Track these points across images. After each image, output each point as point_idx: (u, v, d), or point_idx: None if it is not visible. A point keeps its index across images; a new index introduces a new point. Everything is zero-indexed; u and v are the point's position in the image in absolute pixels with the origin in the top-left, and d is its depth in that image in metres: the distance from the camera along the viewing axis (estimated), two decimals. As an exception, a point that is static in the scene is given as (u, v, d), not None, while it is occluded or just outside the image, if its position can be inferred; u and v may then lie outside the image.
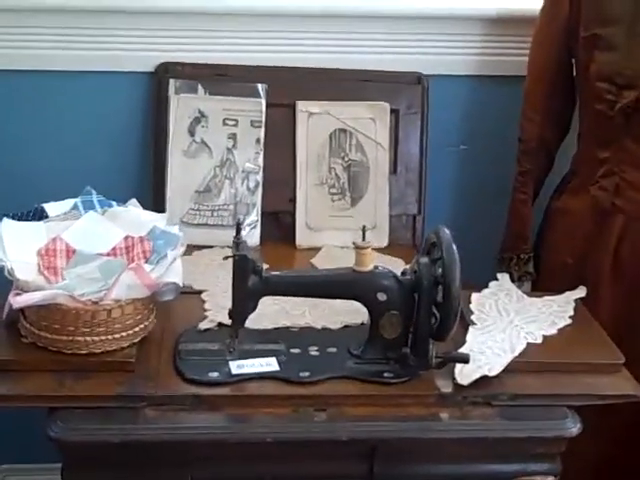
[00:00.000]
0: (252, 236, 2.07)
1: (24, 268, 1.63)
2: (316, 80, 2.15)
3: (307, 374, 1.58)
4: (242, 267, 1.57)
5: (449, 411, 1.55)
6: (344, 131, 2.13)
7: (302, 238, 2.12)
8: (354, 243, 1.61)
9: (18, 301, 1.55)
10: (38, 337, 1.58)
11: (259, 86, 2.10)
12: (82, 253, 1.71)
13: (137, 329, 1.62)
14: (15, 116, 2.13)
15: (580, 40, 1.97)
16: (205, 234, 2.07)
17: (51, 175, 2.13)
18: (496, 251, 2.16)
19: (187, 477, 1.52)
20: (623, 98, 1.90)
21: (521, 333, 1.71)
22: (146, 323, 1.64)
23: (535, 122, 2.08)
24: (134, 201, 1.84)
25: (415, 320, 1.59)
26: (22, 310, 1.60)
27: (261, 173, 2.11)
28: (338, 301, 1.72)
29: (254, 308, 1.60)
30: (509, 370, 1.60)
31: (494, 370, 1.58)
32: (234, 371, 1.57)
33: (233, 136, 2.10)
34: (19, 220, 1.74)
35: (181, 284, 1.66)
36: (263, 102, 2.10)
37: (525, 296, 1.86)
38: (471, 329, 1.71)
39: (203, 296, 1.82)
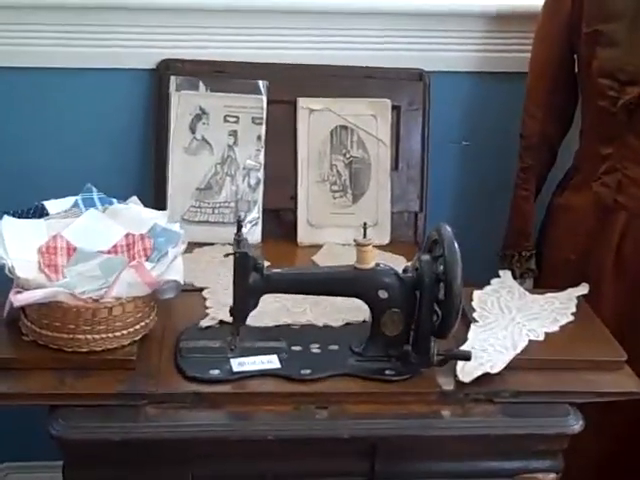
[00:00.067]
0: (253, 233, 2.07)
1: (25, 266, 1.63)
2: (317, 77, 2.14)
3: (308, 371, 1.57)
4: (243, 264, 1.56)
5: (451, 408, 1.55)
6: (345, 128, 2.13)
7: (303, 235, 2.11)
8: (355, 240, 1.61)
9: (19, 299, 1.55)
10: (39, 335, 1.58)
11: (260, 83, 2.10)
12: (83, 251, 1.71)
13: (138, 327, 1.62)
14: (15, 113, 2.13)
15: (582, 36, 1.96)
16: (206, 231, 2.07)
17: (52, 173, 2.13)
18: (498, 248, 2.16)
19: (188, 475, 1.52)
20: (625, 94, 1.89)
21: (523, 330, 1.71)
22: (147, 321, 1.64)
23: (537, 118, 2.08)
24: (135, 198, 1.84)
25: (417, 318, 1.59)
26: (23, 308, 1.60)
27: (262, 170, 2.11)
28: (339, 298, 1.71)
29: (255, 305, 1.60)
30: (511, 367, 1.59)
31: (496, 367, 1.58)
32: (235, 369, 1.57)
33: (234, 133, 2.10)
34: (19, 218, 1.73)
35: (182, 282, 1.66)
36: (264, 99, 2.10)
37: (527, 293, 1.86)
38: (473, 326, 1.71)
39: (204, 294, 1.82)
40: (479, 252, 1.94)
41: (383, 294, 1.59)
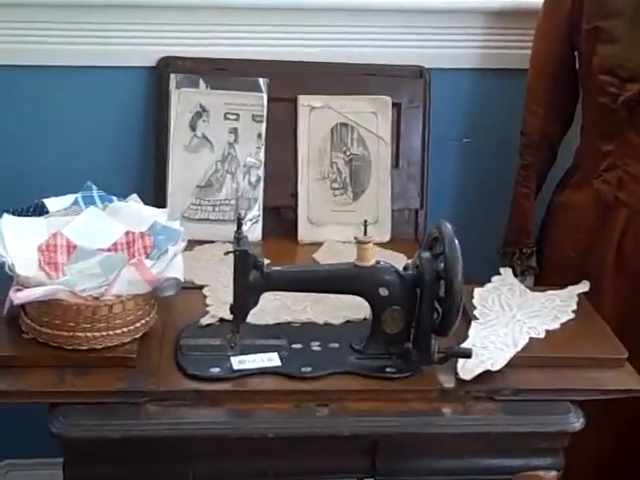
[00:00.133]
0: (254, 231, 2.07)
1: (25, 264, 1.63)
2: (318, 74, 2.14)
3: (309, 369, 1.57)
4: (243, 262, 1.56)
5: (451, 406, 1.55)
6: (346, 125, 2.13)
7: (304, 233, 2.11)
8: (356, 238, 1.61)
9: (19, 297, 1.55)
10: (39, 333, 1.58)
11: (260, 80, 2.10)
12: (83, 248, 1.71)
13: (138, 325, 1.61)
14: (15, 111, 2.13)
15: (582, 33, 1.96)
16: (206, 229, 2.06)
17: (52, 170, 2.12)
18: (499, 245, 2.15)
19: (188, 472, 1.52)
20: (626, 91, 1.89)
21: (524, 328, 1.70)
22: (147, 319, 1.64)
23: (538, 115, 2.07)
24: (135, 196, 1.84)
25: (417, 315, 1.59)
26: (23, 306, 1.60)
27: (262, 168, 2.10)
28: (340, 296, 1.71)
29: (255, 303, 1.60)
30: (512, 365, 1.59)
31: (497, 365, 1.58)
32: (235, 366, 1.57)
33: (234, 131, 2.10)
34: (19, 216, 1.73)
35: (182, 279, 1.66)
36: (264, 96, 2.09)
37: (528, 291, 1.86)
38: (473, 324, 1.71)
39: (204, 291, 1.81)
40: (480, 249, 1.94)
41: (384, 292, 1.59)
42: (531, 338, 1.68)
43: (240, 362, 1.58)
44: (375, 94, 2.14)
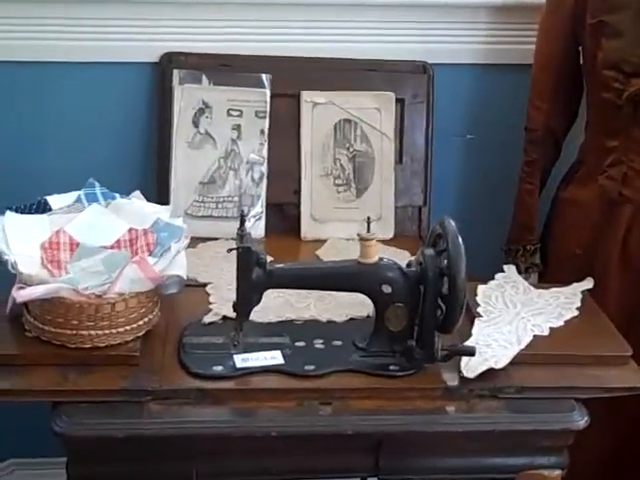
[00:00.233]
0: (257, 228, 2.06)
1: (27, 262, 1.63)
2: (321, 70, 2.13)
3: (312, 367, 1.57)
4: (246, 259, 1.56)
5: (455, 404, 1.54)
6: (349, 121, 2.12)
7: (307, 230, 2.11)
8: (359, 235, 1.60)
9: (21, 295, 1.54)
10: (42, 331, 1.58)
11: (263, 76, 2.09)
12: (86, 246, 1.71)
13: (141, 323, 1.61)
14: (17, 108, 2.12)
15: (587, 27, 1.95)
16: (210, 226, 2.06)
17: (54, 167, 2.12)
18: (502, 242, 2.15)
19: (192, 471, 1.52)
20: (631, 86, 1.88)
21: (528, 325, 1.70)
22: (150, 316, 1.63)
23: (542, 111, 2.07)
24: (138, 193, 1.83)
25: (421, 312, 1.59)
26: (26, 304, 1.60)
27: (266, 164, 2.10)
28: (343, 293, 1.71)
29: (258, 301, 1.59)
30: (515, 362, 1.59)
31: (500, 363, 1.57)
32: (239, 364, 1.57)
33: (237, 127, 2.09)
34: (22, 213, 1.73)
35: (185, 277, 1.65)
36: (267, 92, 2.09)
37: (532, 288, 1.85)
38: (477, 321, 1.70)
39: (208, 289, 1.81)
40: (483, 246, 1.93)
41: (387, 289, 1.58)
42: (535, 336, 1.67)
43: (243, 360, 1.57)
44: (378, 90, 2.13)
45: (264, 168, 2.10)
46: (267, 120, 2.09)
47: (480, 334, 1.66)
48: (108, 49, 2.10)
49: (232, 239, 1.65)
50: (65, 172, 2.01)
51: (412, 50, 2.16)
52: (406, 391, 1.55)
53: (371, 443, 1.53)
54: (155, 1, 2.08)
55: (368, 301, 1.62)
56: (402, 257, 1.86)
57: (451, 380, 1.57)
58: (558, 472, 1.57)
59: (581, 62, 2.04)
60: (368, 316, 1.71)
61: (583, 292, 1.85)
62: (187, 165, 2.08)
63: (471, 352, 1.57)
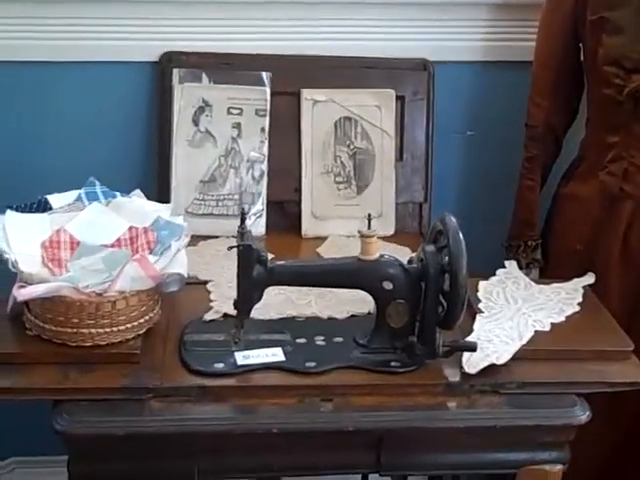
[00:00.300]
0: (257, 226, 2.06)
1: (28, 260, 1.63)
2: (321, 68, 2.13)
3: (313, 364, 1.57)
4: (247, 257, 1.56)
5: (457, 400, 1.54)
6: (349, 119, 2.12)
7: (308, 227, 2.11)
8: (360, 232, 1.60)
9: (22, 294, 1.55)
10: (42, 330, 1.58)
11: (263, 74, 2.09)
12: (86, 245, 1.71)
13: (142, 320, 1.61)
14: (18, 107, 2.12)
15: (587, 24, 1.95)
16: (210, 224, 2.06)
17: (54, 166, 2.12)
18: (503, 238, 2.15)
19: (193, 468, 1.52)
20: (631, 82, 1.88)
21: (529, 321, 1.70)
22: (151, 314, 1.64)
23: (542, 107, 2.07)
24: (138, 192, 1.83)
25: (422, 309, 1.58)
26: (26, 303, 1.60)
27: (266, 162, 2.10)
28: (344, 290, 1.71)
29: (259, 298, 1.59)
30: (517, 358, 1.58)
31: (502, 358, 1.57)
32: (240, 362, 1.56)
33: (238, 125, 2.09)
34: (22, 212, 1.73)
35: (186, 275, 1.66)
36: (268, 90, 2.09)
37: (533, 283, 1.85)
38: (478, 317, 1.70)
39: (208, 287, 1.81)
40: (484, 242, 1.94)
41: (388, 285, 1.58)
42: (536, 331, 1.67)
43: (244, 357, 1.57)
44: (379, 87, 2.13)
45: (264, 166, 2.10)
46: (267, 118, 2.09)
47: (481, 330, 1.65)
48: (108, 48, 2.10)
49: (233, 237, 1.65)
50: (65, 171, 2.01)
51: (412, 47, 2.16)
52: (407, 387, 1.55)
53: (372, 439, 1.53)
54: (154, 0, 2.07)
55: (369, 298, 1.62)
56: (403, 254, 1.85)
57: (452, 376, 1.56)
58: (559, 467, 1.57)
59: (581, 59, 2.03)
60: (369, 313, 1.71)
61: (584, 287, 1.85)
62: (187, 163, 2.08)
63: (472, 348, 1.57)
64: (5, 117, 2.12)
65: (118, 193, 1.80)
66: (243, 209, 1.60)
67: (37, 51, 2.08)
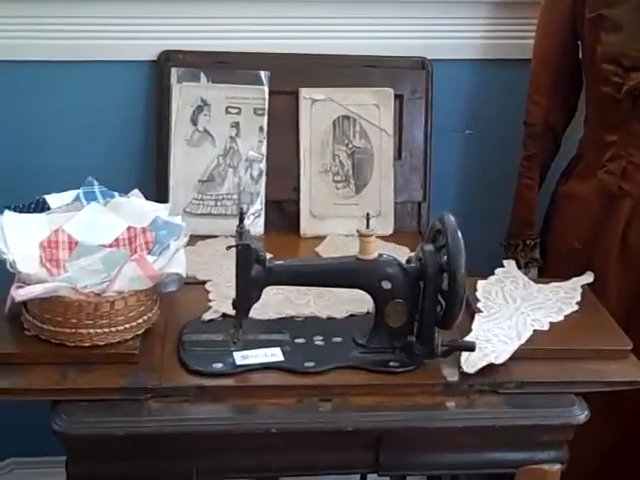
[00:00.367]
0: (256, 225, 2.06)
1: (26, 261, 1.63)
2: (319, 66, 2.13)
3: (312, 364, 1.57)
4: (245, 256, 1.55)
5: (455, 400, 1.54)
6: (348, 118, 2.12)
7: (306, 226, 2.11)
8: (358, 231, 1.60)
9: (20, 294, 1.54)
10: (41, 330, 1.58)
11: (262, 73, 2.09)
12: (84, 245, 1.71)
13: (140, 321, 1.61)
14: (16, 107, 2.12)
15: (586, 21, 1.95)
16: (209, 224, 2.06)
17: (52, 166, 2.12)
18: (502, 237, 2.15)
19: (192, 468, 1.52)
20: (630, 80, 1.88)
21: (527, 320, 1.70)
22: (149, 314, 1.63)
23: (541, 105, 2.06)
24: (136, 191, 1.83)
25: (420, 308, 1.58)
26: (24, 303, 1.60)
27: (264, 161, 2.10)
28: (343, 290, 1.71)
29: (258, 298, 1.59)
30: (516, 358, 1.58)
31: (500, 358, 1.57)
32: (238, 362, 1.56)
33: (236, 124, 2.09)
34: (20, 212, 1.73)
35: (184, 275, 1.66)
36: (266, 89, 2.09)
37: (531, 283, 1.85)
38: (477, 317, 1.70)
39: (207, 286, 1.81)
40: (483, 241, 1.94)
41: (386, 285, 1.58)
42: (535, 330, 1.67)
43: (243, 357, 1.57)
44: (377, 86, 2.13)
45: (263, 165, 2.10)
46: (266, 117, 2.09)
47: (480, 329, 1.65)
48: (106, 48, 2.10)
49: (231, 236, 1.65)
50: (64, 171, 2.01)
51: (411, 46, 2.16)
52: (406, 387, 1.55)
53: (371, 439, 1.53)
54: (152, -1, 2.08)
55: (368, 297, 1.62)
56: (402, 253, 1.86)
57: (451, 376, 1.56)
58: (558, 467, 1.57)
59: (580, 57, 2.03)
60: (368, 312, 1.71)
61: (583, 286, 1.85)
62: (186, 163, 2.08)
63: (471, 347, 1.56)
64: (3, 116, 2.12)
65: (116, 193, 1.80)
66: (242, 209, 1.60)
67: (35, 50, 2.08)
